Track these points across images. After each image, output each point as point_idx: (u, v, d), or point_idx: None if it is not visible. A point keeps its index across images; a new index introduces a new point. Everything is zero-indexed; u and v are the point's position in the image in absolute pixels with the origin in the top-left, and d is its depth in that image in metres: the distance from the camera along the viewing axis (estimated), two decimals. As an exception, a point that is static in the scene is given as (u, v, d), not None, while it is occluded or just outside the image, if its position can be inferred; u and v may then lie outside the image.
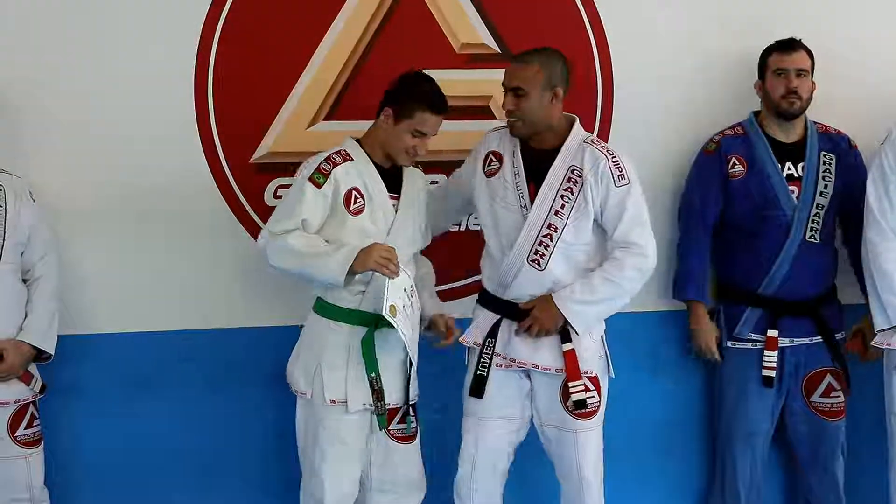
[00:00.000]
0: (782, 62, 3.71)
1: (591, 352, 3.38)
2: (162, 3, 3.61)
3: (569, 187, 3.30)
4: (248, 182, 3.67)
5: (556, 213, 3.29)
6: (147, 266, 3.66)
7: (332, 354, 3.24)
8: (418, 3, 3.72)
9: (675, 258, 3.85)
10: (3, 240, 3.28)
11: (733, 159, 3.76)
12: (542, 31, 3.79)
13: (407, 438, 3.35)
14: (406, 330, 3.15)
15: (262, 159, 3.69)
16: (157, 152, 3.62)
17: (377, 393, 3.18)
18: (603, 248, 3.35)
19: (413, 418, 3.36)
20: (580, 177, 3.29)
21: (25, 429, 3.32)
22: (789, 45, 3.73)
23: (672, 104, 3.94)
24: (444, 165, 3.68)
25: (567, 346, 3.31)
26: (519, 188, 3.33)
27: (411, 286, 3.19)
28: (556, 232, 3.29)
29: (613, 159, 3.31)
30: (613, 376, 3.43)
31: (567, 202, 3.29)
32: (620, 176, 3.30)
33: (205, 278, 3.70)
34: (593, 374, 3.37)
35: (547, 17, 3.82)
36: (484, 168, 3.40)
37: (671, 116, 3.94)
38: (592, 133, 3.69)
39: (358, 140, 3.30)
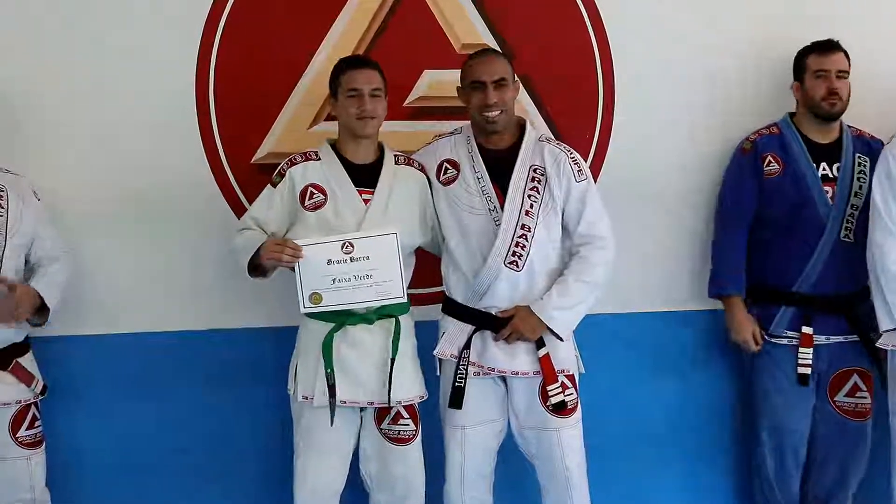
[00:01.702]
0: (823, 63, 3.71)
1: (566, 351, 3.39)
2: (164, 2, 3.61)
3: (534, 186, 3.31)
4: (250, 183, 3.62)
5: (527, 213, 3.30)
6: (148, 267, 3.65)
7: (307, 352, 3.27)
8: (419, 4, 3.72)
9: (709, 256, 3.88)
10: (4, 242, 3.24)
11: (769, 158, 3.75)
12: (543, 30, 3.81)
13: (401, 440, 3.32)
14: (351, 298, 3.16)
15: (264, 160, 3.67)
16: (158, 152, 3.62)
17: (330, 389, 3.17)
18: (565, 245, 3.38)
19: (409, 420, 3.32)
20: (543, 175, 3.32)
21: (27, 430, 3.31)
22: (829, 47, 3.73)
23: (677, 104, 3.94)
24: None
25: (542, 352, 3.33)
26: (485, 192, 3.32)
27: (343, 243, 3.16)
28: (529, 232, 3.30)
29: (571, 156, 3.35)
30: (584, 371, 3.44)
31: (535, 201, 3.31)
32: (580, 172, 3.34)
33: (206, 279, 3.68)
34: (570, 373, 3.39)
35: (547, 17, 3.82)
36: (439, 177, 3.38)
37: (676, 116, 3.94)
38: (594, 133, 3.80)
39: (335, 142, 3.35)
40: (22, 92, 3.50)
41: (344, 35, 3.68)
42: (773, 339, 3.75)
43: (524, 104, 3.75)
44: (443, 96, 3.67)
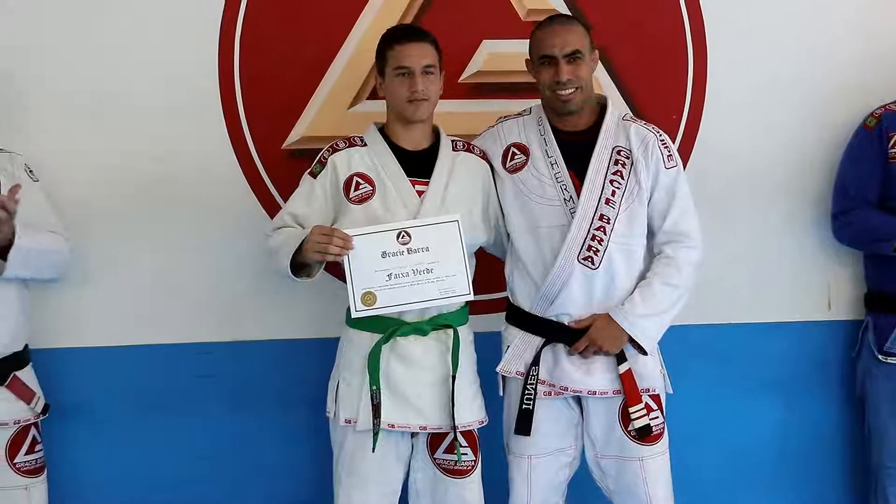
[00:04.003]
0: None
1: (651, 367, 3.22)
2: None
3: (617, 170, 3.15)
4: (280, 171, 3.49)
5: (607, 201, 3.14)
6: (162, 269, 3.51)
7: (350, 368, 3.12)
8: (476, -39, 3.59)
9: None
10: None
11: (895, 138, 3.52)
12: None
13: (458, 472, 3.13)
14: (410, 297, 3.00)
15: (296, 145, 3.54)
16: (175, 136, 3.48)
17: (375, 408, 3.02)
18: (650, 243, 3.25)
19: (468, 449, 3.13)
20: (628, 158, 3.17)
21: (26, 455, 3.15)
22: None
23: (781, 80, 3.69)
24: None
25: (624, 367, 3.16)
26: (560, 179, 3.16)
27: (399, 231, 3.01)
28: (608, 224, 3.14)
29: (661, 138, 3.22)
30: (672, 392, 3.27)
31: (618, 188, 3.15)
32: (670, 157, 3.21)
33: (229, 283, 3.55)
34: (655, 392, 3.22)
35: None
36: (505, 164, 3.23)
37: (780, 94, 3.70)
38: (682, 114, 3.63)
39: (383, 126, 3.23)
40: (19, 59, 3.36)
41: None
42: (890, 360, 3.52)
43: (599, 80, 3.54)
44: (504, 70, 3.52)
